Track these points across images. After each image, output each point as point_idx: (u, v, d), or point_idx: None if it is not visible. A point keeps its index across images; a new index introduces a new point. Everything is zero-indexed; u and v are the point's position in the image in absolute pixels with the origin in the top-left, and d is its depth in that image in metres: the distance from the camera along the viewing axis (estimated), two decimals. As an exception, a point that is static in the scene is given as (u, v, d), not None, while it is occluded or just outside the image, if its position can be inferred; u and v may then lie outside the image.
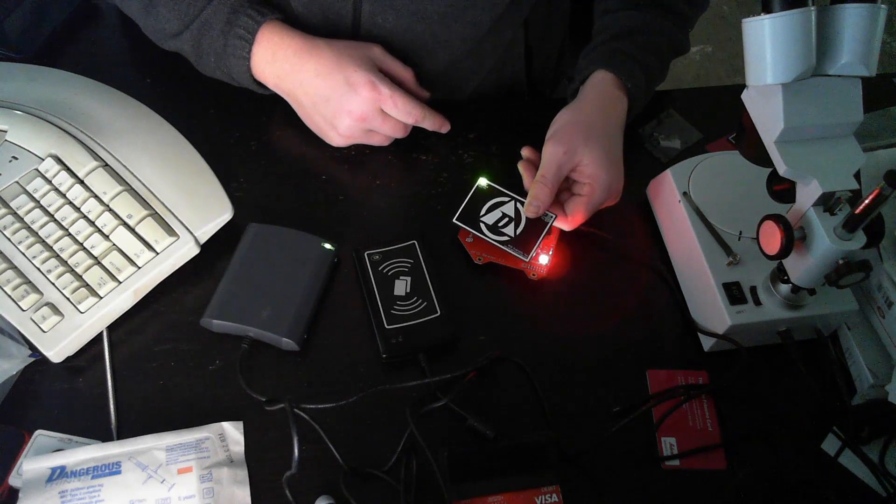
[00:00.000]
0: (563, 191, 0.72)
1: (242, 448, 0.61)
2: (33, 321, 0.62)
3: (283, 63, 0.71)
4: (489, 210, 0.71)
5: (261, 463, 0.61)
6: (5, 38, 0.81)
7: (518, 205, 0.72)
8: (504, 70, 0.90)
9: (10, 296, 0.62)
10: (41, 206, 0.66)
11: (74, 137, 0.68)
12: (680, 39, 0.80)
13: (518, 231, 0.71)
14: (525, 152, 0.74)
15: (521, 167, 0.73)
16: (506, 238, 0.70)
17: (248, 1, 0.71)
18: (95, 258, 0.65)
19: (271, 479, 0.59)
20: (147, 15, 0.72)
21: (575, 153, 0.69)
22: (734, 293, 0.67)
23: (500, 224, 0.71)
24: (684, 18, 0.81)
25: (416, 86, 0.77)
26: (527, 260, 0.70)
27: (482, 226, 0.71)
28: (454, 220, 0.71)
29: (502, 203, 0.72)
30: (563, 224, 0.72)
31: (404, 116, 0.72)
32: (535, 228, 0.71)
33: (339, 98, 0.71)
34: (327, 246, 0.70)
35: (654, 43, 0.77)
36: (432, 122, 0.75)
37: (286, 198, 0.75)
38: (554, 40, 0.95)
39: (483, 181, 0.73)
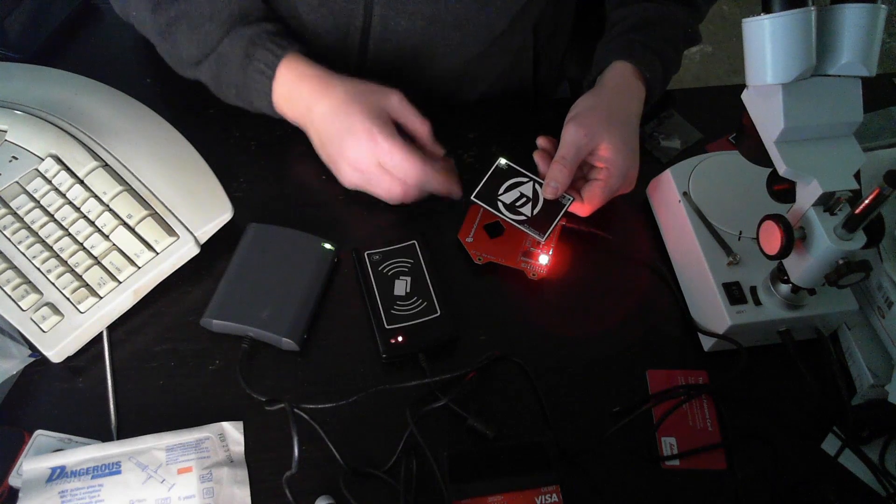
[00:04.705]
0: (578, 178, 0.73)
1: (242, 448, 0.61)
2: (33, 321, 0.62)
3: (298, 101, 0.70)
4: (507, 189, 0.72)
5: (261, 463, 0.61)
6: (5, 38, 0.81)
7: (536, 186, 0.72)
8: (513, 75, 0.90)
9: (10, 296, 0.62)
10: (41, 206, 0.66)
11: (74, 137, 0.68)
12: (694, 29, 0.81)
13: (535, 211, 0.71)
14: (540, 142, 0.75)
15: (536, 156, 0.74)
16: (523, 217, 0.71)
17: (266, 33, 0.70)
18: (95, 258, 0.65)
19: (271, 479, 0.59)
20: (164, 42, 0.72)
21: (594, 136, 0.70)
22: (734, 293, 0.67)
23: (517, 204, 0.71)
24: (696, 9, 0.82)
25: (431, 141, 0.72)
26: (543, 240, 0.70)
27: (500, 204, 0.71)
28: (472, 198, 0.71)
29: (521, 183, 0.72)
30: (579, 209, 0.72)
31: (400, 175, 0.69)
32: (552, 210, 0.71)
33: (339, 143, 0.69)
34: (327, 246, 0.70)
35: (669, 33, 0.78)
36: (438, 186, 0.70)
37: (286, 198, 0.75)
38: (559, 44, 0.95)
39: (503, 161, 0.73)
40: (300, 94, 0.70)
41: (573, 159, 0.69)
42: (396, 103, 0.70)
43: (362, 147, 0.68)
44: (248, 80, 0.70)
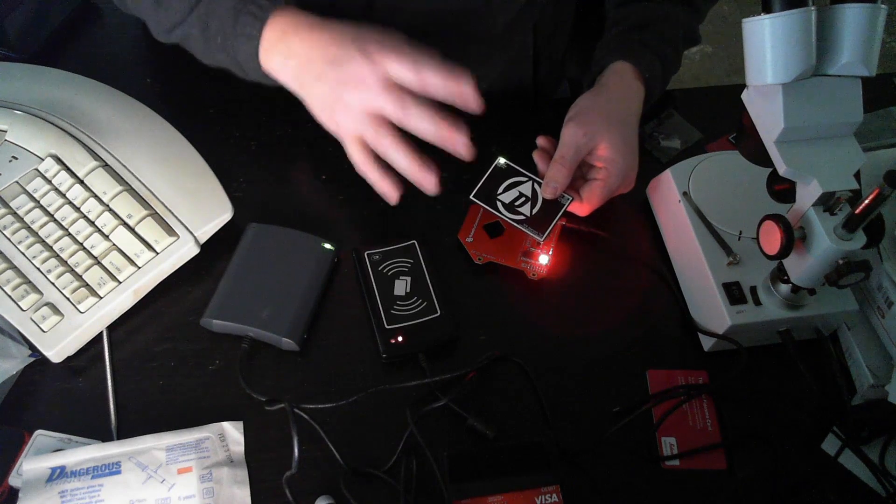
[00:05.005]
0: (577, 178, 0.73)
1: (242, 448, 0.61)
2: (33, 321, 0.62)
3: (293, 37, 0.63)
4: (506, 189, 0.72)
5: (261, 463, 0.61)
6: (5, 38, 0.81)
7: (535, 185, 0.72)
8: (513, 75, 0.90)
9: (10, 296, 0.62)
10: (41, 206, 0.66)
11: (74, 137, 0.68)
12: (694, 30, 0.81)
13: (534, 211, 0.71)
14: (540, 141, 0.75)
15: (535, 156, 0.74)
16: (521, 217, 0.71)
17: None
18: (95, 258, 0.65)
19: (271, 479, 0.59)
20: (158, 9, 0.69)
21: (594, 136, 0.70)
22: (734, 293, 0.67)
23: (516, 203, 0.71)
24: (696, 10, 0.81)
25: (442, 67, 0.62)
26: (541, 239, 0.70)
27: (499, 204, 0.71)
28: (471, 197, 0.71)
29: (520, 183, 0.72)
30: (578, 209, 0.72)
31: (410, 66, 0.59)
32: (550, 209, 0.71)
33: (346, 63, 0.60)
34: (327, 246, 0.70)
35: (670, 34, 0.77)
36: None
37: (286, 198, 0.75)
38: (559, 44, 0.95)
39: (502, 160, 0.73)
40: (296, 30, 0.63)
41: (572, 159, 0.70)
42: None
43: (372, 58, 0.60)
44: (238, 25, 0.64)
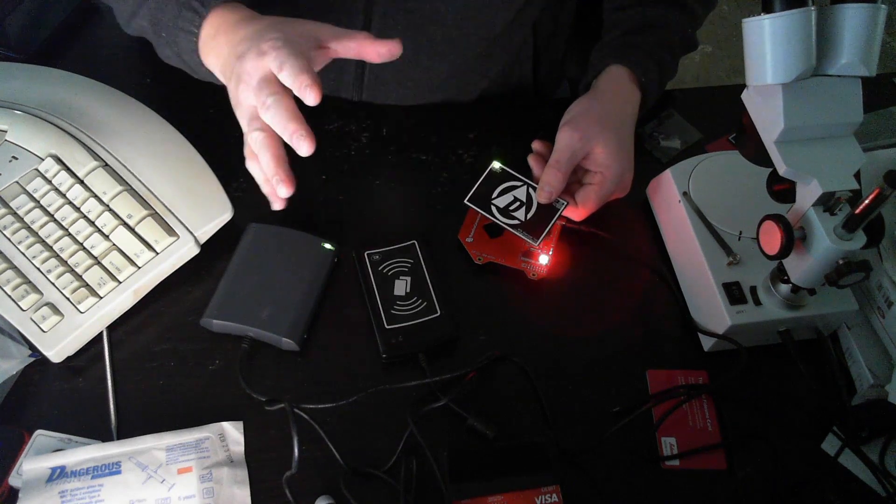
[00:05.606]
0: (573, 183, 0.73)
1: (242, 448, 0.61)
2: (33, 321, 0.62)
3: (221, 36, 0.63)
4: (501, 193, 0.72)
5: (261, 463, 0.61)
6: (5, 38, 0.81)
7: (530, 190, 0.72)
8: (512, 73, 0.90)
9: (10, 296, 0.62)
10: (41, 206, 0.66)
11: (74, 137, 0.68)
12: (691, 36, 0.81)
13: (529, 216, 0.71)
14: (535, 145, 0.75)
15: (530, 160, 0.74)
16: (516, 222, 0.70)
17: None
18: (95, 258, 0.65)
19: (271, 479, 0.59)
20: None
21: (589, 140, 0.70)
22: (734, 293, 0.67)
23: (511, 208, 0.71)
24: (694, 16, 0.81)
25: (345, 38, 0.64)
26: (536, 244, 0.70)
27: (493, 208, 0.71)
28: (465, 201, 0.71)
29: (515, 187, 0.72)
30: (574, 213, 0.72)
31: (276, 65, 0.58)
32: (545, 214, 0.71)
33: (243, 60, 0.60)
34: (327, 246, 0.70)
35: (666, 38, 0.77)
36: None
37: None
38: (559, 44, 0.95)
39: (497, 164, 0.73)
40: (226, 27, 0.63)
41: (567, 164, 0.69)
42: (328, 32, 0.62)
43: (248, 63, 0.59)
44: (180, 19, 0.64)
